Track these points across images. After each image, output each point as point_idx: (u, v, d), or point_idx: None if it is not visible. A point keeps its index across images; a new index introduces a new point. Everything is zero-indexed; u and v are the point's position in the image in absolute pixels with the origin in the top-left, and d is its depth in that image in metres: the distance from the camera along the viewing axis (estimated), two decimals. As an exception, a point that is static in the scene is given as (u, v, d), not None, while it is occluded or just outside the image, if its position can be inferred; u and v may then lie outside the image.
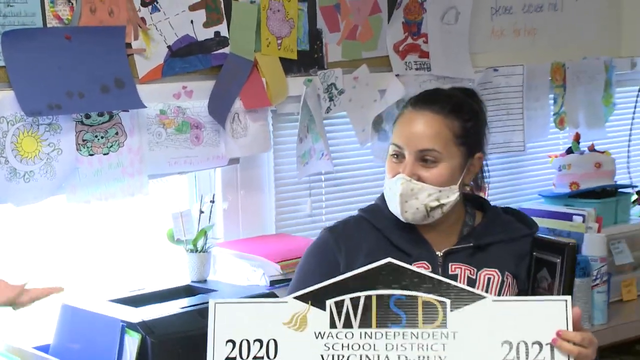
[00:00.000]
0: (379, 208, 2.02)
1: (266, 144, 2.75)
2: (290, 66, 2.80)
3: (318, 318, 1.70)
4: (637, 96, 3.73)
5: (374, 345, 1.68)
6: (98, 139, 2.46)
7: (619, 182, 3.47)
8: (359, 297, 1.70)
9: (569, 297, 1.68)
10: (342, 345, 1.69)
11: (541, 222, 2.62)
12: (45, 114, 2.34)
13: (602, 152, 3.42)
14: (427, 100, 2.00)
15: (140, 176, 2.53)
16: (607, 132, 3.61)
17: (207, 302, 2.31)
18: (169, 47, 2.58)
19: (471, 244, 1.98)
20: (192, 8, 2.61)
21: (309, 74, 2.84)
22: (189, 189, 2.81)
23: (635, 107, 3.74)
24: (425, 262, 1.95)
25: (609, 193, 3.32)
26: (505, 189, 3.48)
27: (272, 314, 1.73)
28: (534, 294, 1.94)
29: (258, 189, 2.85)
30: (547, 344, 1.64)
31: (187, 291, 2.55)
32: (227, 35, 2.66)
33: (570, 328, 1.65)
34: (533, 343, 1.64)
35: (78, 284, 2.55)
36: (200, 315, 2.28)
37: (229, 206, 2.76)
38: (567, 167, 3.35)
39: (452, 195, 1.94)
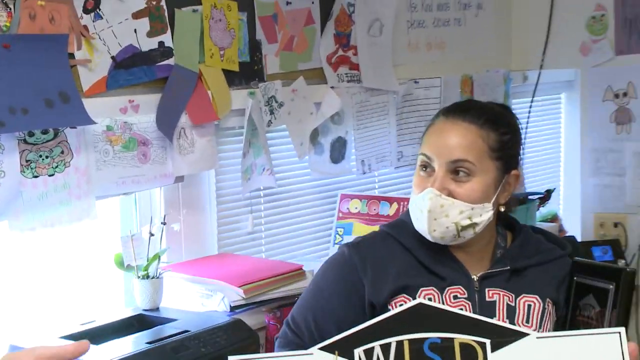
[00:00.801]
0: (406, 225, 1.76)
1: (213, 160, 2.46)
2: (231, 78, 2.53)
3: None
4: (530, 107, 3.72)
5: None
6: (42, 159, 2.09)
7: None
8: (389, 344, 1.42)
9: (622, 329, 1.42)
10: None
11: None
12: (-12, 132, 1.96)
13: (513, 161, 3.36)
14: (460, 110, 1.77)
15: (88, 198, 2.18)
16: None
17: (175, 335, 2.05)
18: (113, 57, 2.24)
19: (508, 267, 1.74)
20: (136, 16, 2.29)
21: (249, 86, 2.58)
22: (122, 210, 2.47)
23: (528, 117, 3.73)
24: (460, 286, 1.70)
25: (519, 201, 3.26)
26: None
27: None
28: (573, 322, 1.71)
29: (200, 208, 2.54)
30: None
31: (141, 322, 2.22)
32: (172, 46, 2.36)
33: None
34: None
35: (20, 320, 2.17)
36: (172, 351, 1.98)
37: (172, 227, 2.44)
38: (481, 176, 3.26)
39: (485, 214, 1.70)
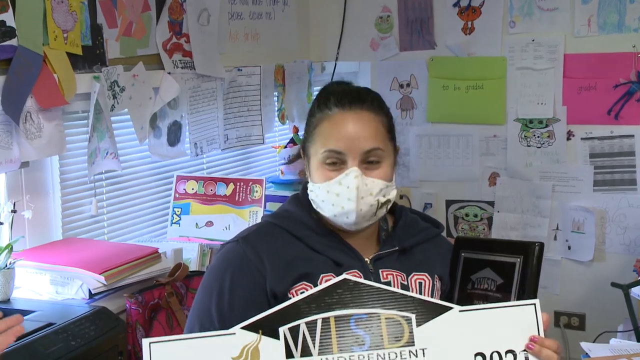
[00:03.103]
0: (291, 214, 1.52)
1: (62, 145, 2.08)
2: (75, 62, 2.15)
3: (272, 349, 1.23)
4: (328, 94, 3.62)
5: None
6: None
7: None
8: (315, 321, 1.25)
9: (537, 301, 1.32)
10: None
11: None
12: None
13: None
14: (354, 98, 1.51)
15: None
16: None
17: (40, 330, 1.69)
18: (-48, 35, 1.81)
19: (396, 248, 1.55)
20: (-26, -8, 1.86)
21: (93, 71, 2.21)
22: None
23: (326, 103, 3.62)
24: (356, 270, 1.48)
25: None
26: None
27: (218, 350, 1.22)
28: (465, 295, 1.49)
29: (43, 193, 2.15)
30: (521, 352, 1.29)
31: (-7, 315, 1.82)
32: (14, 26, 1.95)
33: (542, 333, 1.29)
34: (507, 352, 1.29)
35: None
36: (42, 347, 1.63)
37: (15, 214, 2.04)
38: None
39: (393, 192, 1.50)
